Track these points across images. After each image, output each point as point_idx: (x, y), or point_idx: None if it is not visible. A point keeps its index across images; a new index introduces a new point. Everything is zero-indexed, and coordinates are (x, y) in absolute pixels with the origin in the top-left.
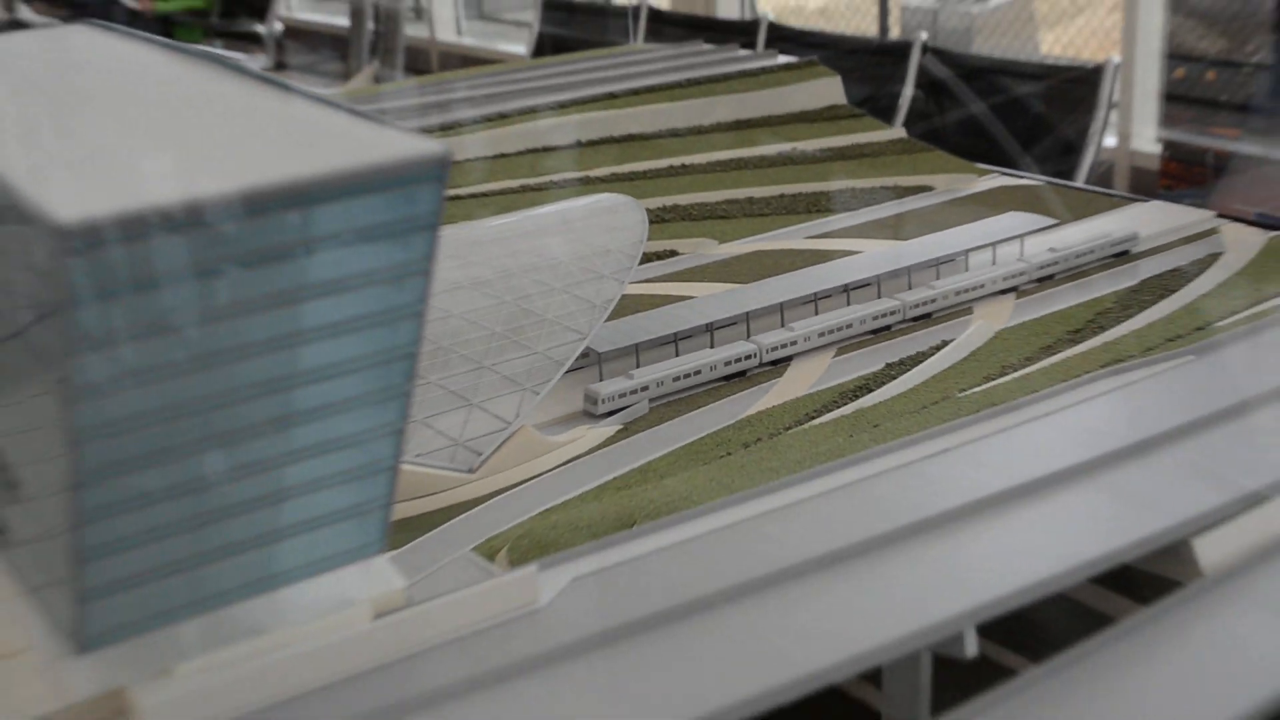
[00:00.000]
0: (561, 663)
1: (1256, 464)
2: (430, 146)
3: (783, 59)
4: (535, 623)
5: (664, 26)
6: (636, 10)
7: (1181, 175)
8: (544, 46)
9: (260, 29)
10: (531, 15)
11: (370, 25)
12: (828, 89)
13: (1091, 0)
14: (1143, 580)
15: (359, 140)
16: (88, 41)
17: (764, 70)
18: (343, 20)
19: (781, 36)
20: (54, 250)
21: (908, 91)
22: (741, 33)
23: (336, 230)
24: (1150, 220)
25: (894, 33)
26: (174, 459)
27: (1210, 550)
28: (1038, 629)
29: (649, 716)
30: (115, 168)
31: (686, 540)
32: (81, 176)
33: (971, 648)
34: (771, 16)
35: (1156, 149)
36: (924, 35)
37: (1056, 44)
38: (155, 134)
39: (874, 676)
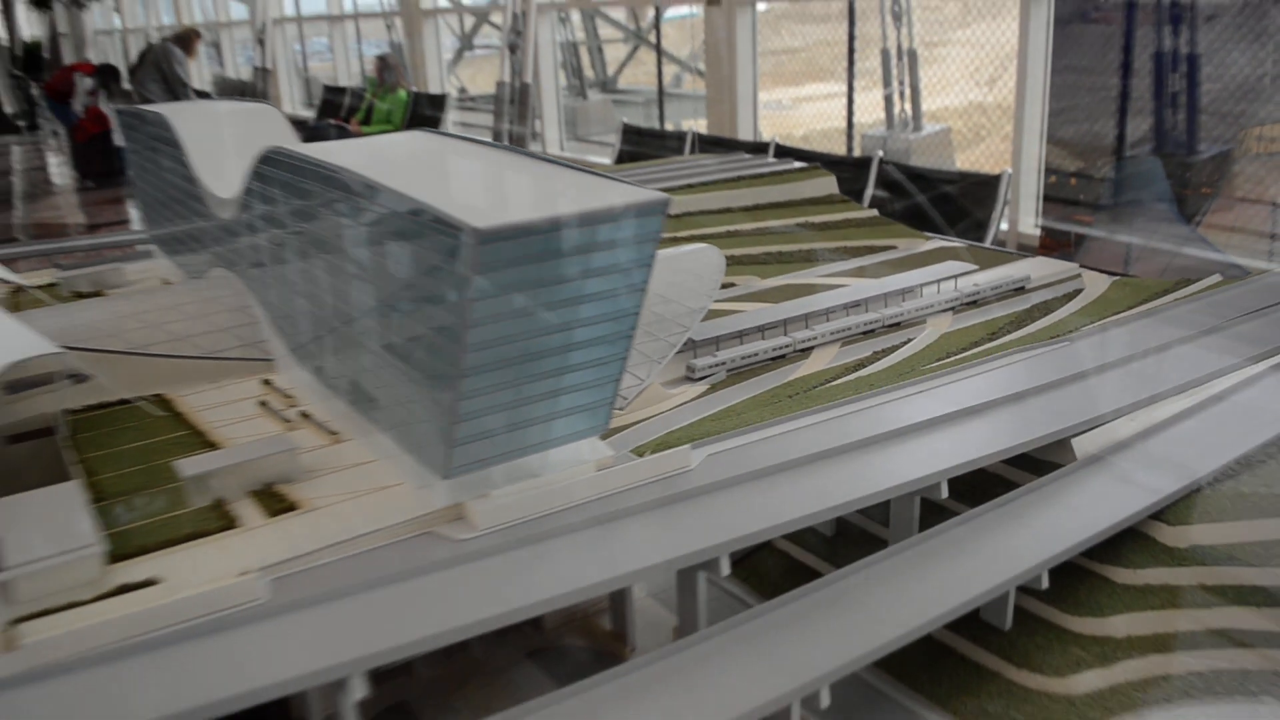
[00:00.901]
0: (708, 495)
1: (1089, 404)
2: (658, 194)
3: (796, 164)
4: (689, 478)
5: (706, 145)
6: (686, 134)
7: (1053, 246)
8: (622, 158)
9: None
10: (614, 138)
11: (505, 143)
12: (825, 184)
13: (990, 133)
14: (1040, 464)
15: (620, 189)
16: (425, 139)
17: (784, 171)
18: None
19: (784, 152)
20: (470, 244)
21: (870, 189)
22: (758, 150)
23: (609, 238)
24: (1036, 269)
25: (856, 152)
26: (511, 368)
27: (1081, 446)
28: (976, 490)
29: (765, 518)
30: (486, 201)
31: (757, 440)
32: (472, 205)
33: (944, 492)
34: (778, 140)
35: (1034, 230)
36: (880, 153)
37: (965, 162)
38: (497, 184)
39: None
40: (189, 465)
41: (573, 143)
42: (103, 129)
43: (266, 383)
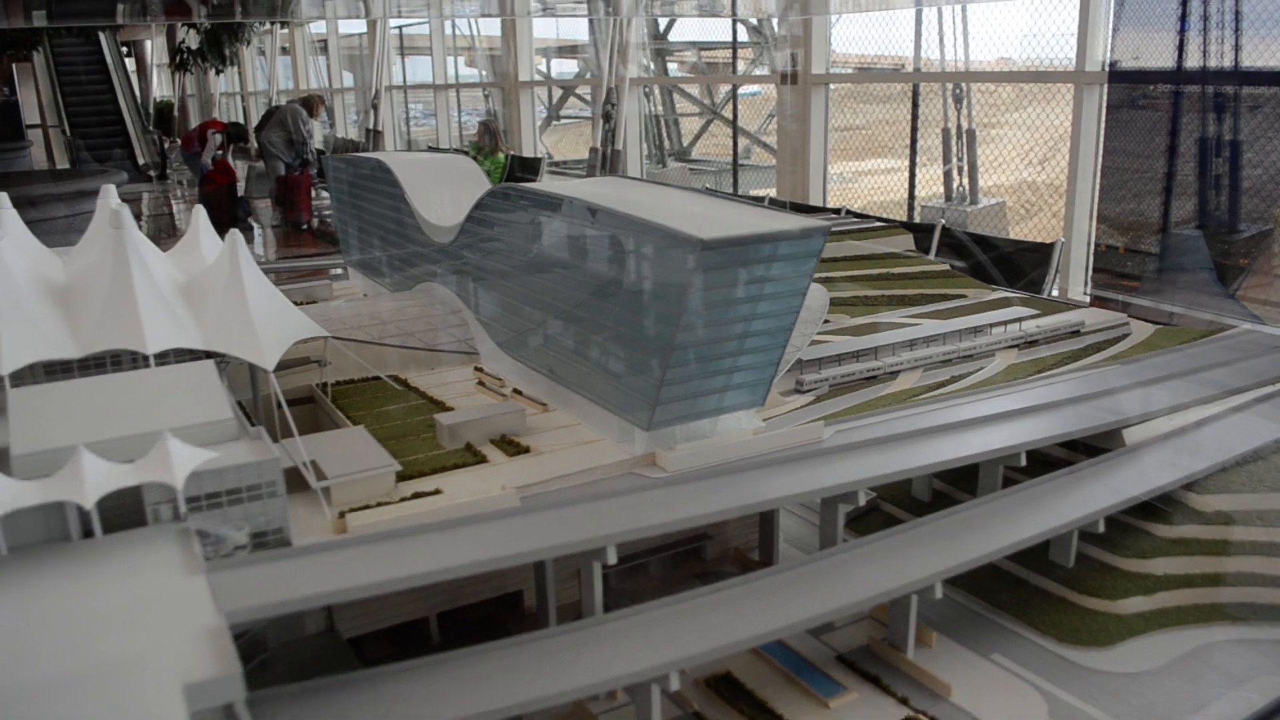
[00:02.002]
0: (842, 454)
1: (1136, 405)
2: (822, 222)
3: (878, 222)
4: (821, 444)
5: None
6: (763, 200)
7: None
8: None
9: None
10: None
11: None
12: (903, 241)
13: (1040, 209)
14: (1097, 450)
15: (791, 217)
16: (615, 181)
17: (868, 228)
18: None
19: (852, 214)
20: (692, 253)
21: (933, 253)
22: (830, 213)
23: (787, 253)
24: (1089, 316)
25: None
26: (704, 347)
27: (1129, 435)
28: (1037, 467)
29: (888, 469)
30: (694, 222)
31: (874, 422)
32: (684, 224)
33: (1023, 460)
34: (851, 208)
35: (1081, 295)
36: (943, 220)
37: (1017, 235)
38: (697, 210)
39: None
40: (446, 418)
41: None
42: (229, 180)
43: (478, 369)
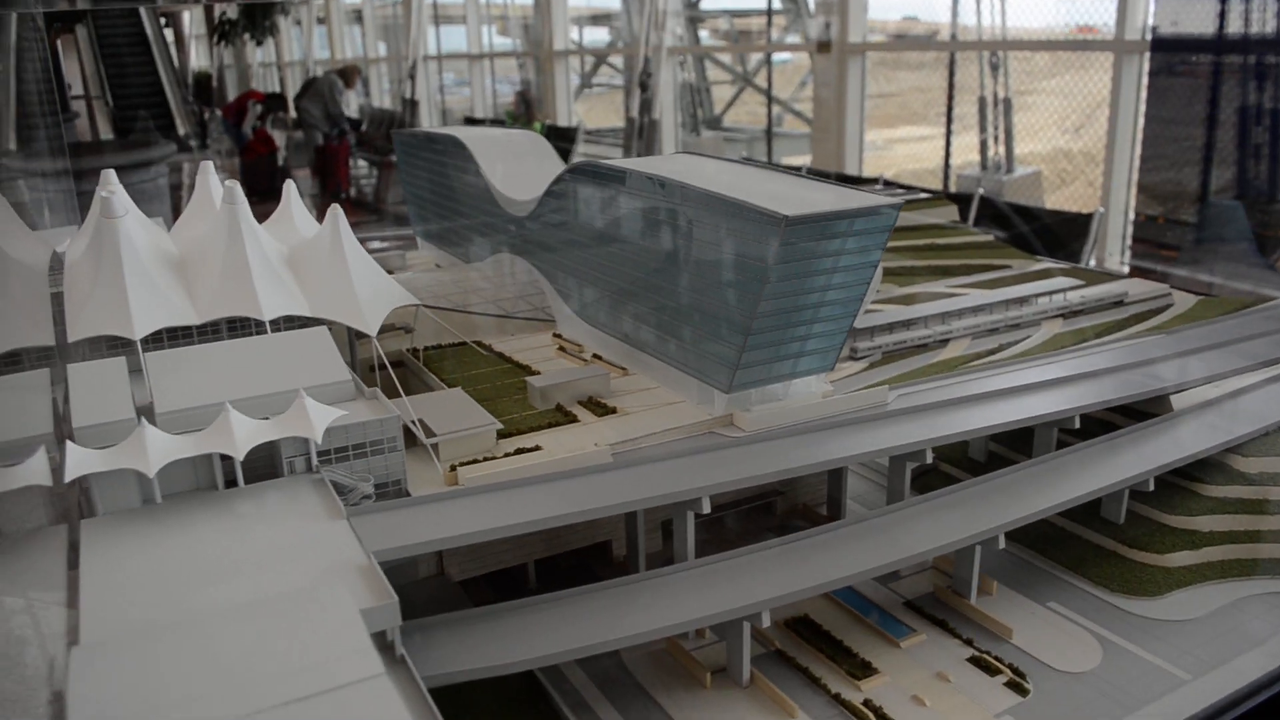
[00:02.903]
0: (907, 416)
1: (1183, 372)
2: (896, 199)
3: (923, 194)
4: (885, 407)
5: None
6: (800, 170)
7: (1142, 278)
8: None
9: None
10: None
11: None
12: (948, 212)
13: (1074, 177)
14: (1146, 416)
15: (864, 195)
16: (689, 159)
17: (914, 200)
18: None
19: (891, 186)
20: (776, 229)
21: (971, 222)
22: (868, 184)
23: (863, 227)
24: (1132, 287)
25: (953, 190)
26: (783, 315)
27: (1177, 401)
28: (1093, 431)
29: (950, 429)
30: (776, 200)
31: (933, 386)
32: (767, 202)
33: (1077, 423)
34: (887, 176)
35: (1116, 265)
36: (981, 190)
37: (1051, 204)
38: (773, 189)
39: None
40: (537, 381)
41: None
42: (269, 149)
43: (556, 335)
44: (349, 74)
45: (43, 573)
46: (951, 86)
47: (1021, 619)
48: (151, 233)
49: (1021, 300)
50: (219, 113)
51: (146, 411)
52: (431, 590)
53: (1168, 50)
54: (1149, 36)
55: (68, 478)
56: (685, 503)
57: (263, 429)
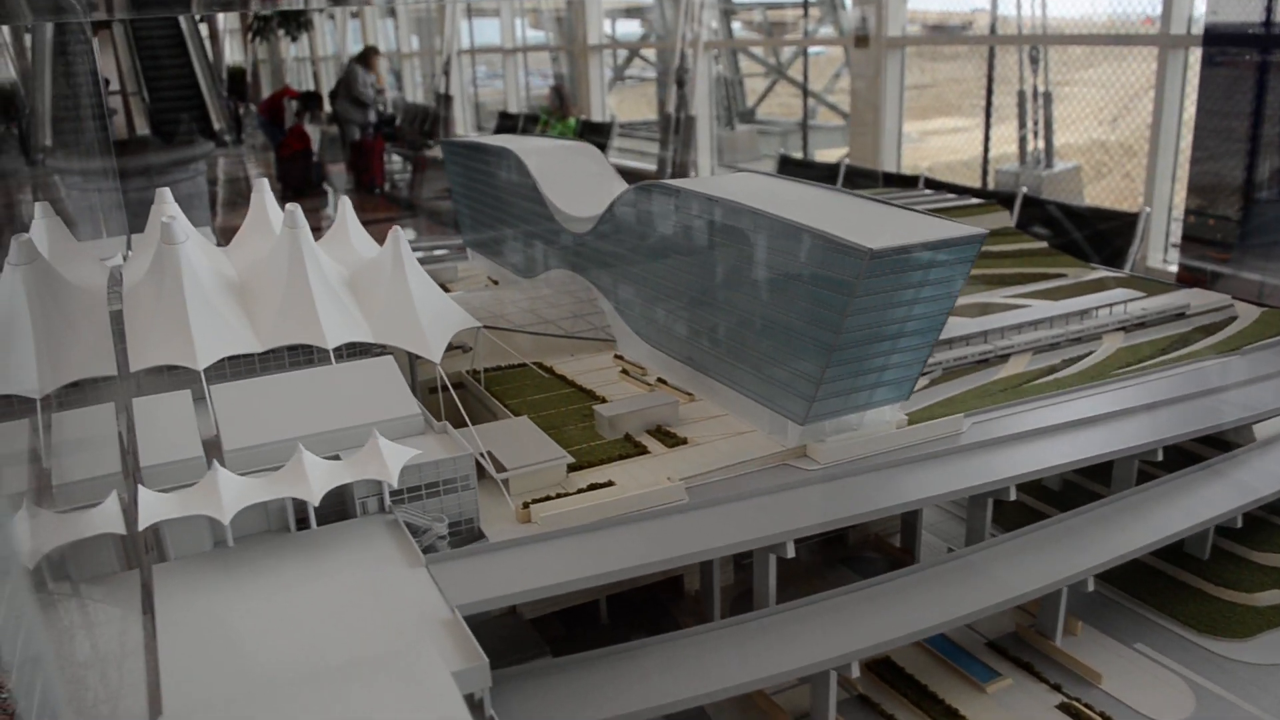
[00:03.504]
0: (986, 450)
1: (1267, 400)
2: (979, 229)
3: (975, 199)
4: (959, 437)
5: (856, 178)
6: (839, 165)
7: (1191, 281)
8: None
9: None
10: (758, 166)
11: (669, 171)
12: (1002, 218)
13: (1111, 170)
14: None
15: (946, 225)
16: (757, 178)
17: (967, 205)
18: (651, 166)
19: (933, 185)
20: (861, 262)
21: (1014, 221)
22: (908, 182)
23: (942, 260)
24: (1194, 299)
25: (990, 184)
26: (862, 346)
27: (1260, 430)
28: (1173, 460)
29: (1032, 464)
30: (858, 230)
31: (1008, 414)
32: (851, 233)
33: (1160, 455)
34: (926, 174)
35: (1160, 264)
36: (1024, 189)
37: (1087, 197)
38: (853, 217)
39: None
40: (606, 409)
41: (722, 169)
42: (305, 146)
43: (617, 356)
44: (368, 56)
45: (118, 629)
46: (990, 80)
47: (1109, 662)
48: (212, 257)
49: (1082, 313)
50: (253, 108)
51: (212, 447)
52: (504, 630)
53: (1221, 43)
54: (1197, 30)
55: (142, 525)
56: (768, 547)
57: (337, 471)
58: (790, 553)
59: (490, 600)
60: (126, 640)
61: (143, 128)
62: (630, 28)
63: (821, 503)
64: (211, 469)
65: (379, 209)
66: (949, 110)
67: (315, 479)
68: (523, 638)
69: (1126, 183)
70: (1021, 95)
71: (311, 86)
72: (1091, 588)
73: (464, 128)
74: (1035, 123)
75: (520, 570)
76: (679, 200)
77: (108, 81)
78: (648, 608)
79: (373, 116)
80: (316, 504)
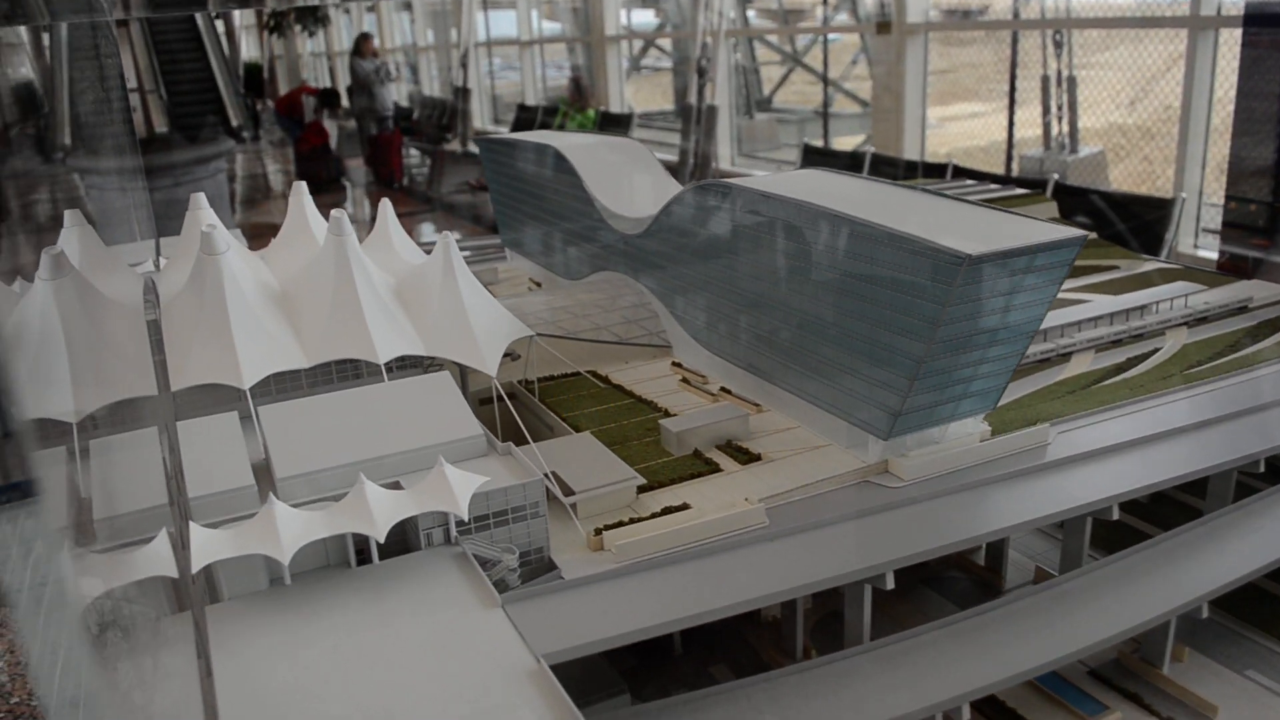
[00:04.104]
0: (1071, 466)
1: None
2: (1077, 230)
3: (1019, 190)
4: (1046, 449)
5: (881, 165)
6: (864, 155)
7: (1231, 269)
8: None
9: None
10: (778, 155)
11: (691, 161)
12: (1048, 207)
13: (1129, 153)
14: None
15: (1044, 226)
16: (821, 175)
17: (1012, 195)
18: (673, 157)
19: (961, 172)
20: (958, 269)
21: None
22: (936, 170)
23: (1043, 263)
24: (1255, 290)
25: (1015, 170)
26: (952, 357)
27: None
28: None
29: (1129, 482)
30: (952, 234)
31: (1094, 422)
32: (945, 238)
33: (1261, 467)
34: (955, 162)
35: (1191, 249)
36: (1055, 175)
37: (1112, 180)
38: (942, 219)
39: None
40: (673, 424)
41: (742, 159)
42: (323, 141)
43: (675, 364)
44: (359, 45)
45: (173, 678)
46: (1014, 65)
47: (1221, 691)
48: (253, 267)
49: (1142, 308)
50: (270, 104)
51: (262, 473)
52: (574, 663)
53: (1262, 24)
54: (1226, 11)
55: (195, 568)
56: (865, 579)
57: (403, 503)
58: (890, 584)
59: (576, 648)
60: (182, 690)
61: (160, 125)
62: (645, 17)
63: (914, 529)
64: (268, 503)
65: (398, 203)
66: (967, 95)
67: (380, 512)
68: (596, 672)
69: (1146, 166)
70: (1045, 80)
71: (328, 82)
72: (1206, 614)
73: (482, 120)
74: (1059, 107)
75: (603, 611)
76: (744, 201)
77: (125, 80)
78: (723, 635)
79: (387, 94)
80: (381, 539)
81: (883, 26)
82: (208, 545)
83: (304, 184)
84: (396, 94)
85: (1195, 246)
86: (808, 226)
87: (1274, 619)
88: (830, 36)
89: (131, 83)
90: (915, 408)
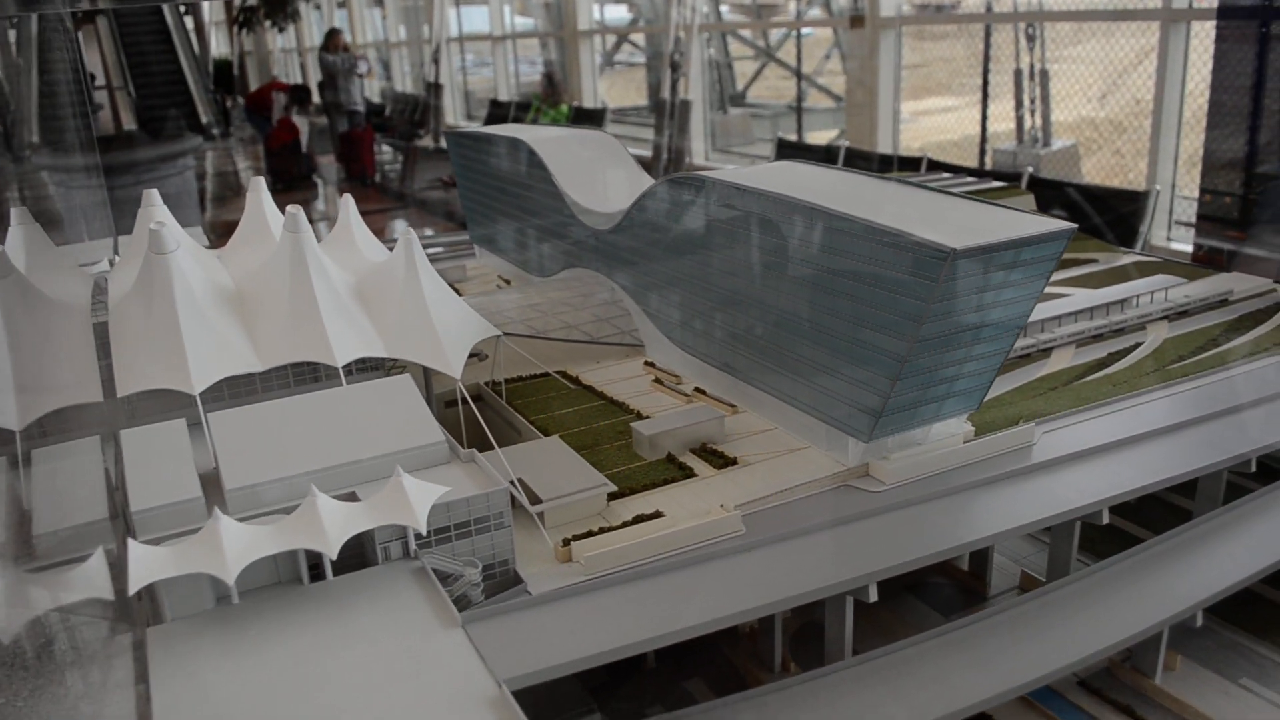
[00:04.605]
0: (1057, 468)
1: None
2: (1065, 223)
3: (996, 183)
4: (1031, 450)
5: (855, 159)
6: (839, 149)
7: (1207, 261)
8: None
9: None
10: (752, 150)
11: (665, 156)
12: (1026, 200)
13: (1100, 147)
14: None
15: (1031, 219)
16: (797, 167)
17: (993, 189)
18: (646, 152)
19: (936, 166)
20: (943, 263)
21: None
22: (910, 164)
23: (1025, 259)
24: (1235, 284)
25: (988, 163)
26: (934, 355)
27: None
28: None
29: (1114, 485)
30: (937, 227)
31: (1079, 421)
32: (929, 231)
33: (1253, 466)
34: (929, 156)
35: (1164, 242)
36: (1030, 169)
37: (1085, 174)
38: (923, 211)
39: None
40: (645, 427)
41: (716, 154)
42: (294, 137)
43: (648, 364)
44: (327, 41)
45: (108, 705)
46: (987, 59)
47: (1217, 702)
48: (206, 265)
49: (1122, 302)
50: (241, 100)
51: (211, 484)
52: (545, 683)
53: (1235, 17)
54: (1198, 3)
55: (132, 589)
56: (848, 591)
57: (357, 517)
58: (873, 596)
59: (541, 671)
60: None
61: (129, 123)
62: (618, 13)
63: (898, 536)
64: (213, 517)
65: (370, 200)
66: (940, 90)
67: (332, 527)
68: (563, 690)
69: (1117, 159)
70: (1018, 73)
71: (299, 79)
72: (1200, 623)
73: (454, 116)
74: (1032, 101)
75: (570, 630)
76: (719, 194)
77: (93, 76)
78: (698, 647)
79: (354, 87)
80: (334, 556)
81: (856, 21)
82: (147, 564)
83: (262, 180)
84: (368, 90)
85: (1169, 239)
86: (784, 220)
87: (1270, 626)
88: (804, 31)
89: (100, 79)
90: (897, 408)
